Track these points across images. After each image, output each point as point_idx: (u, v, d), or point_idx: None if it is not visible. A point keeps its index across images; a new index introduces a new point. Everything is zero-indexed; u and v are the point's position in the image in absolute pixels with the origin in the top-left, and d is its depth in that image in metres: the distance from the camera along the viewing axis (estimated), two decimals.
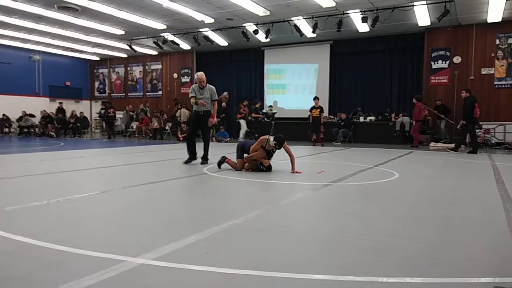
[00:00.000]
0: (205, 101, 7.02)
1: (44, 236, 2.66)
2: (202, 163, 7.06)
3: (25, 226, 2.98)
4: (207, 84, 7.20)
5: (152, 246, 2.45)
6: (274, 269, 2.13)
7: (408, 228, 3.05)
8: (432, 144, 12.85)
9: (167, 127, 17.06)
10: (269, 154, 6.10)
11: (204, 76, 7.17)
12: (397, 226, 3.11)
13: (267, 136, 6.12)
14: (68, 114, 18.99)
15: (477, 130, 12.47)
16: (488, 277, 2.07)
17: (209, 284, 1.98)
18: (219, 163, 6.49)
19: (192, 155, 7.14)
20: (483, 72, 13.42)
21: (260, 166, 6.06)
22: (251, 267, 2.17)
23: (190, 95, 7.13)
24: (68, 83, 21.52)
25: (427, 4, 11.50)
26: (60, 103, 19.43)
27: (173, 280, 2.01)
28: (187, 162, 7.10)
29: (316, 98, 13.47)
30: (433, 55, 14.09)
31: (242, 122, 15.63)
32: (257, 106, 16.30)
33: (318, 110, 13.11)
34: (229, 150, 10.69)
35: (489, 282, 2.03)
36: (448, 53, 13.87)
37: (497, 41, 13.12)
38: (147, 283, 1.95)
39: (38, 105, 19.56)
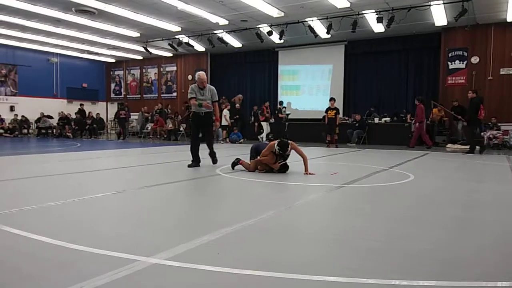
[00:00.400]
0: (207, 103, 6.70)
1: (58, 235, 2.70)
2: (214, 163, 7.06)
3: (40, 225, 3.04)
4: (207, 85, 6.87)
5: (165, 246, 2.47)
6: (285, 270, 2.12)
7: (422, 230, 3.00)
8: (449, 145, 12.64)
9: (181, 128, 17.19)
10: (283, 156, 6.05)
11: (205, 76, 6.87)
12: (410, 228, 3.07)
13: (275, 141, 6.05)
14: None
15: (495, 132, 12.25)
16: (504, 282, 2.03)
17: (221, 284, 1.98)
18: (233, 164, 6.51)
19: (197, 160, 6.84)
20: (502, 73, 13.15)
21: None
22: (262, 268, 2.16)
23: (189, 96, 6.68)
24: (85, 85, 21.92)
25: (444, 3, 11.34)
26: (81, 104, 19.79)
27: (185, 280, 2.02)
28: (191, 165, 6.75)
29: (332, 99, 13.35)
30: (450, 55, 13.87)
31: (265, 125, 15.44)
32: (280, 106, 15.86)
33: (334, 111, 13.00)
34: (243, 151, 10.71)
35: (505, 286, 1.99)
36: (465, 53, 13.63)
37: None
38: (159, 283, 1.97)
39: (56, 107, 19.97)
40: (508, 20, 12.45)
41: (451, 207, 3.92)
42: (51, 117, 19.36)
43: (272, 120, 15.76)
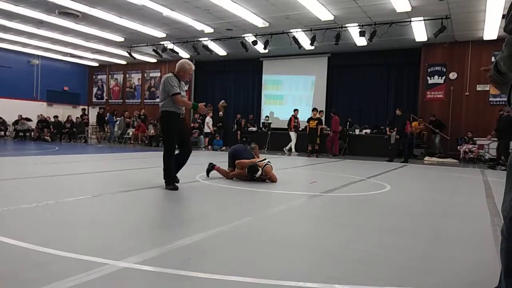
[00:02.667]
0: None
1: (29, 237, 2.66)
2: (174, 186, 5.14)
3: (12, 227, 2.98)
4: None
5: (136, 250, 2.45)
6: (258, 276, 2.13)
7: (397, 239, 3.06)
8: (426, 158, 12.92)
9: None
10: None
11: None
12: (385, 237, 3.13)
13: (247, 162, 6.00)
14: (64, 119, 19.01)
15: (471, 146, 12.60)
16: None
17: None
18: (208, 171, 6.44)
19: (175, 179, 5.30)
20: (478, 89, 13.58)
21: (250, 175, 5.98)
22: (236, 273, 2.17)
23: (172, 91, 4.93)
24: (66, 88, 21.60)
25: (424, 20, 11.67)
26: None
27: (153, 284, 2.01)
28: (171, 188, 5.05)
29: (314, 109, 13.47)
30: (429, 70, 14.26)
31: (293, 135, 14.10)
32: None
33: (316, 121, 13.11)
34: (223, 159, 10.72)
35: None
36: (444, 69, 14.03)
37: (493, 58, 13.26)
38: (127, 286, 1.96)
39: (36, 109, 19.58)
40: (485, 38, 12.90)
41: (424, 217, 4.01)
42: (29, 120, 18.97)
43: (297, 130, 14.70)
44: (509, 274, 1.71)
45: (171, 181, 5.12)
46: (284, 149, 14.01)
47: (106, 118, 18.51)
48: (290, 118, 14.32)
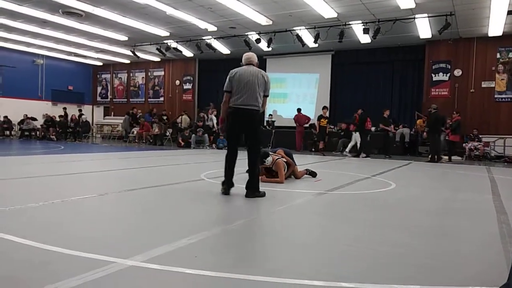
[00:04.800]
0: None
1: (36, 236, 2.67)
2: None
3: (18, 226, 2.99)
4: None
5: (143, 249, 2.46)
6: (263, 274, 2.13)
7: (404, 237, 3.05)
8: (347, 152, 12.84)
9: (167, 133, 17.11)
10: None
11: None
12: (392, 235, 3.11)
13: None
14: (69, 118, 19.05)
15: (476, 143, 12.55)
16: (477, 287, 2.08)
17: (197, 286, 1.99)
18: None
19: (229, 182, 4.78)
20: (483, 85, 13.48)
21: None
22: (240, 271, 2.17)
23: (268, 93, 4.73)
24: (70, 88, 21.69)
25: (428, 17, 11.60)
26: (65, 108, 19.53)
27: (161, 282, 2.02)
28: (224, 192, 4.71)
29: (325, 108, 13.46)
30: (433, 67, 14.18)
31: (356, 136, 12.64)
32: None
33: (326, 120, 13.15)
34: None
35: None
36: (449, 66, 13.95)
37: (498, 55, 13.20)
38: (134, 284, 1.96)
39: (41, 109, 19.68)
40: (490, 35, 12.80)
41: (430, 214, 3.99)
42: (35, 119, 19.06)
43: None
44: None
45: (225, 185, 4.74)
46: (345, 152, 12.97)
47: (138, 116, 18.13)
48: (354, 118, 12.82)
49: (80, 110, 19.52)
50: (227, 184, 4.69)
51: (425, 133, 12.26)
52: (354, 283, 2.06)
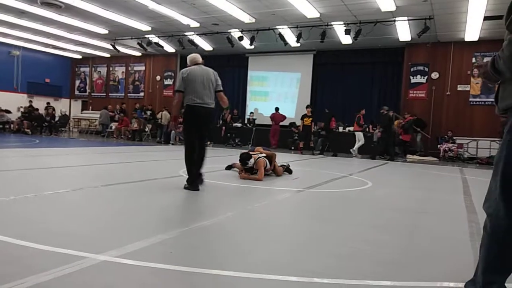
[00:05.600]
0: None
1: (6, 230, 2.61)
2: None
3: None
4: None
5: (117, 244, 2.43)
6: (239, 269, 2.15)
7: (376, 234, 3.12)
8: (408, 156, 13.12)
9: (146, 129, 16.91)
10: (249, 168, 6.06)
11: None
12: (365, 232, 3.18)
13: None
14: (44, 112, 18.56)
15: (450, 145, 12.88)
16: (445, 282, 2.15)
17: (171, 282, 1.98)
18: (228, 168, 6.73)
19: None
20: (459, 89, 13.84)
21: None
22: (216, 267, 2.18)
23: (221, 88, 5.01)
24: (47, 80, 21.13)
25: (408, 20, 11.82)
26: (30, 101, 19.05)
27: (133, 277, 2.01)
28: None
29: (308, 106, 13.49)
30: (412, 70, 14.46)
31: (359, 135, 12.84)
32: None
33: (310, 119, 13.12)
34: (209, 154, 10.67)
35: (445, 287, 2.11)
36: (426, 69, 14.25)
37: (473, 59, 13.56)
38: (106, 280, 1.94)
39: (16, 102, 19.12)
40: (466, 39, 13.14)
41: (403, 213, 4.09)
42: (9, 112, 18.51)
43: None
44: (488, 270, 1.76)
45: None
46: (351, 150, 12.86)
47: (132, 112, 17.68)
48: (358, 117, 12.80)
49: (48, 103, 18.96)
50: (192, 180, 4.76)
51: (379, 133, 12.73)
52: (328, 278, 2.10)
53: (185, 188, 4.72)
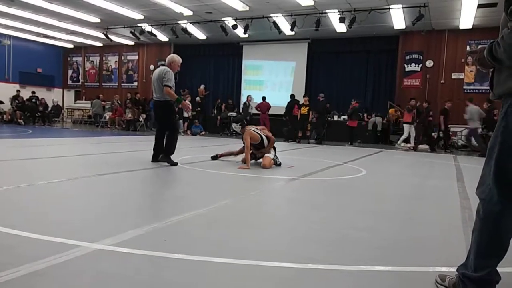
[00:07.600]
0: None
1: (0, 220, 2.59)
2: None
3: None
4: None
5: (110, 233, 2.43)
6: (233, 256, 2.15)
7: (371, 221, 3.13)
8: (402, 144, 13.16)
9: (141, 119, 16.82)
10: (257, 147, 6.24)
11: None
12: (360, 219, 3.19)
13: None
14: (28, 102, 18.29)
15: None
16: (437, 267, 2.17)
17: (164, 269, 1.99)
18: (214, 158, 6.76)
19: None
20: (453, 77, 13.87)
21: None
22: (212, 254, 2.18)
23: (168, 84, 5.70)
24: (39, 70, 20.88)
25: (402, 7, 11.76)
26: (18, 90, 18.76)
27: (127, 265, 2.00)
28: (175, 163, 5.86)
29: (305, 96, 13.44)
30: (406, 58, 14.45)
31: (408, 127, 12.36)
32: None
33: (307, 108, 13.08)
34: (203, 144, 10.67)
35: (437, 271, 2.13)
36: (421, 57, 14.24)
37: (468, 47, 13.56)
38: (100, 267, 1.94)
39: (7, 91, 18.88)
40: (461, 27, 13.12)
41: (397, 200, 4.12)
42: (1, 102, 18.30)
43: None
44: (480, 255, 1.77)
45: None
46: (397, 145, 12.64)
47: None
48: (409, 108, 12.20)
49: (33, 92, 18.63)
50: (155, 155, 6.00)
51: (315, 118, 13.26)
52: (322, 264, 2.12)
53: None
